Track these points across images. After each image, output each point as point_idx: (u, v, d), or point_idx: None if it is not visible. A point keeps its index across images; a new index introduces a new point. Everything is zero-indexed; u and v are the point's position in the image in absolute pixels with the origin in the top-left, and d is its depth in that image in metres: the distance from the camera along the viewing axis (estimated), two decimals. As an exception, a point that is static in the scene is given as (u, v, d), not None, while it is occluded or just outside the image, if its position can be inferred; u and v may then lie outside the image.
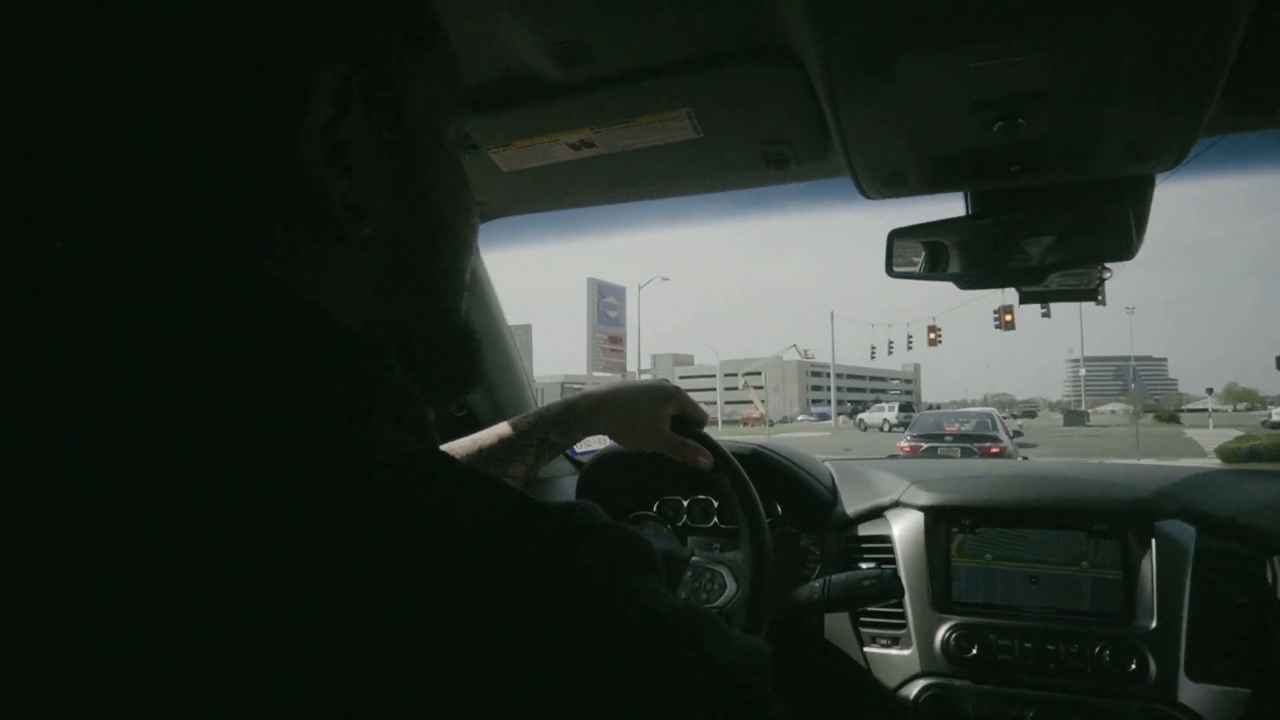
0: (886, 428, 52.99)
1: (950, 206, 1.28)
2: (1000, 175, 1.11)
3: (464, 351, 0.49)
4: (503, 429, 1.01)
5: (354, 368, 0.38)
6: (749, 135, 1.08)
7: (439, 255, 0.45)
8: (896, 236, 1.25)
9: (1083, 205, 1.13)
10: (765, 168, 1.16)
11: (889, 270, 1.27)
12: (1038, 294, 1.41)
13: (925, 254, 1.28)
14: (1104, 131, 0.95)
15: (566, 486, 1.62)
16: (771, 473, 1.37)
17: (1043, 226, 1.19)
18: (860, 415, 58.25)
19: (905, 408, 59.38)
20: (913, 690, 1.16)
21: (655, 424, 1.04)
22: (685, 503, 1.44)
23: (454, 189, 0.46)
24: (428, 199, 0.44)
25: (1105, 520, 1.17)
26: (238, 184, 0.36)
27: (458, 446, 0.98)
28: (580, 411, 1.03)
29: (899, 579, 1.09)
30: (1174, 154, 0.98)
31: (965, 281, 1.23)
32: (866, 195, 1.16)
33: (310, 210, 0.38)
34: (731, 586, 1.06)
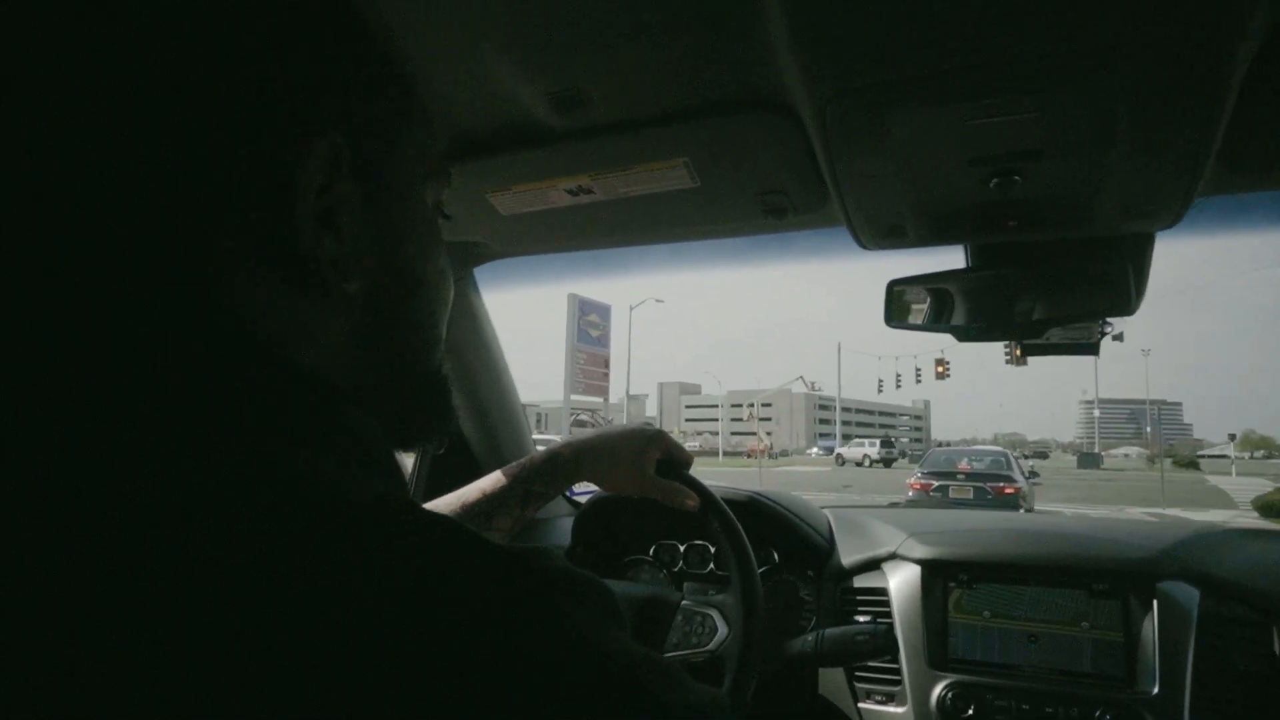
0: (867, 463, 52.09)
1: (950, 257, 1.28)
2: (999, 230, 1.11)
3: (437, 398, 0.52)
4: (486, 483, 1.00)
5: (310, 411, 0.39)
6: (746, 185, 1.08)
7: (416, 310, 0.48)
8: (895, 286, 1.25)
9: (1082, 260, 1.12)
10: (763, 217, 1.16)
11: (888, 320, 1.27)
12: (1039, 346, 1.40)
13: (926, 304, 1.27)
14: (1101, 189, 0.95)
15: (563, 527, 1.61)
16: (768, 520, 1.36)
17: (1042, 281, 1.18)
18: (838, 450, 56.85)
19: (886, 443, 58.06)
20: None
21: (639, 468, 1.03)
22: (682, 548, 1.43)
23: (431, 248, 0.49)
24: (407, 257, 0.46)
25: (1106, 580, 1.15)
26: (226, 237, 0.38)
27: (442, 504, 0.97)
28: (562, 460, 1.03)
29: (894, 636, 1.07)
30: (1172, 213, 0.97)
31: (965, 334, 1.22)
32: (864, 246, 1.16)
33: (299, 268, 0.40)
34: (722, 630, 1.05)
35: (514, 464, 1.04)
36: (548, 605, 0.34)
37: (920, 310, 1.26)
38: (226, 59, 0.37)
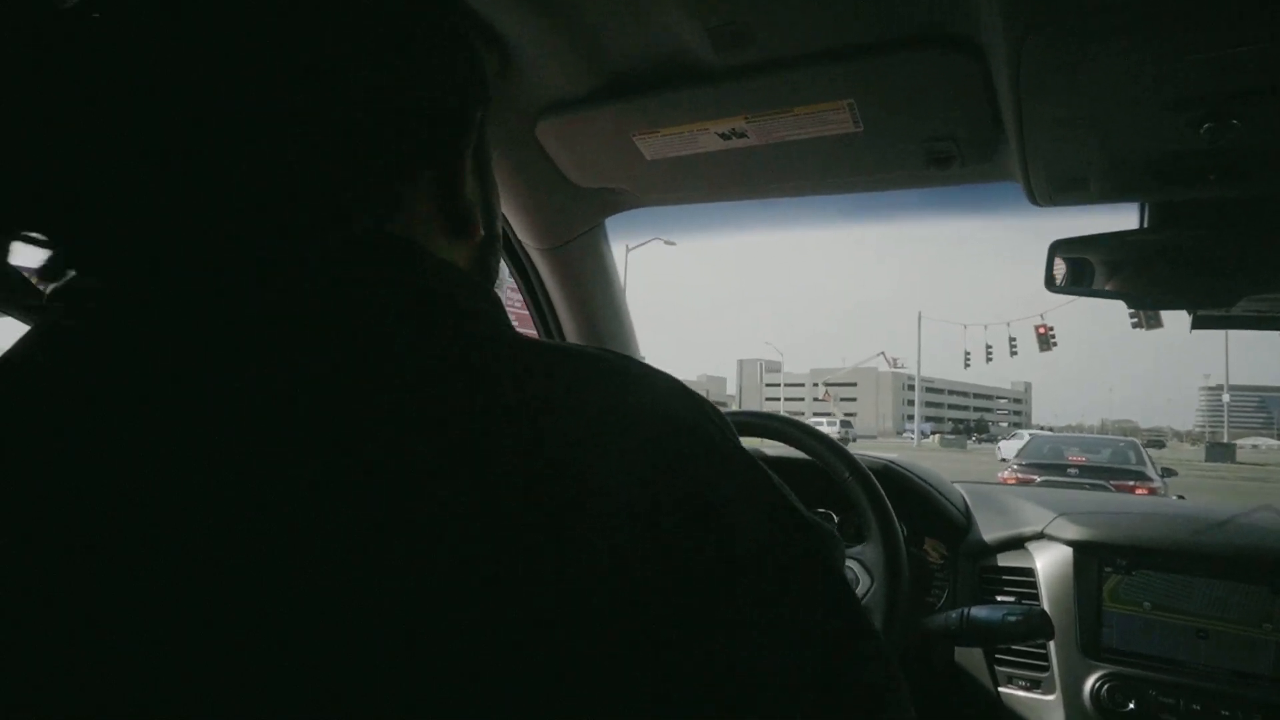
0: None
1: (1120, 218, 1.18)
2: (1193, 184, 1.00)
3: None
4: None
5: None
6: (913, 131, 1.01)
7: (497, 255, 0.55)
8: (1059, 248, 1.16)
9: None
10: (926, 167, 1.08)
11: (1049, 284, 1.18)
12: (1218, 319, 1.28)
13: (1090, 268, 1.18)
14: None
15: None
16: (901, 490, 1.29)
17: (1236, 244, 1.07)
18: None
19: (844, 424, 54.46)
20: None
21: None
22: (837, 519, 1.37)
23: (498, 204, 0.56)
24: (493, 209, 0.54)
25: None
26: (410, 184, 0.45)
27: None
28: None
29: (1048, 619, 1.00)
30: None
31: (1136, 301, 1.12)
32: (1036, 202, 1.07)
33: (455, 215, 0.47)
34: (865, 580, 1.01)
35: None
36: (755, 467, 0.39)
37: (1086, 274, 1.17)
38: (426, 41, 0.45)
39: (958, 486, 1.43)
